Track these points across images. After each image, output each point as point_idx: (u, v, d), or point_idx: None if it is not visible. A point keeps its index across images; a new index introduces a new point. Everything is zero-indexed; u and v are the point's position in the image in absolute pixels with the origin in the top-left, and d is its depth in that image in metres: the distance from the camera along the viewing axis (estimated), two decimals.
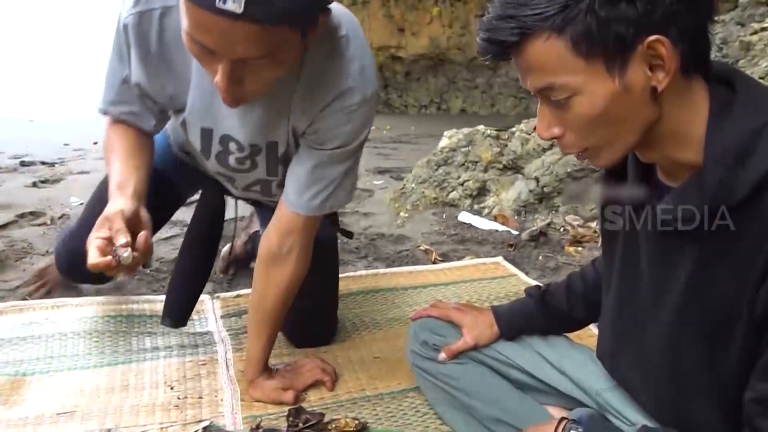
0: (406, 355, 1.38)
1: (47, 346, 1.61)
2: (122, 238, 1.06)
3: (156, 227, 1.25)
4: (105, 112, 1.29)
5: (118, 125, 1.30)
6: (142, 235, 1.09)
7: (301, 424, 1.28)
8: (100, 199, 1.33)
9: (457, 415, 1.27)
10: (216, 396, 1.42)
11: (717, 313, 0.81)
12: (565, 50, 0.76)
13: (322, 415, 1.32)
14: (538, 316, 1.25)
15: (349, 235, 1.74)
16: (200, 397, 1.41)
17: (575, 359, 1.18)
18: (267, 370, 1.42)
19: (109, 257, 1.05)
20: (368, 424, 1.30)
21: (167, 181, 1.56)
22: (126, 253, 1.05)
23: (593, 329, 1.66)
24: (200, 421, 1.31)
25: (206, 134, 1.28)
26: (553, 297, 1.25)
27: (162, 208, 1.57)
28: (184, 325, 1.59)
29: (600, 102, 0.78)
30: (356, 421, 1.29)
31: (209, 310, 1.82)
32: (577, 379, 1.15)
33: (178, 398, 1.41)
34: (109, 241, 1.06)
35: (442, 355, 1.26)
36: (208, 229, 1.59)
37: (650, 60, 0.75)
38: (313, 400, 1.41)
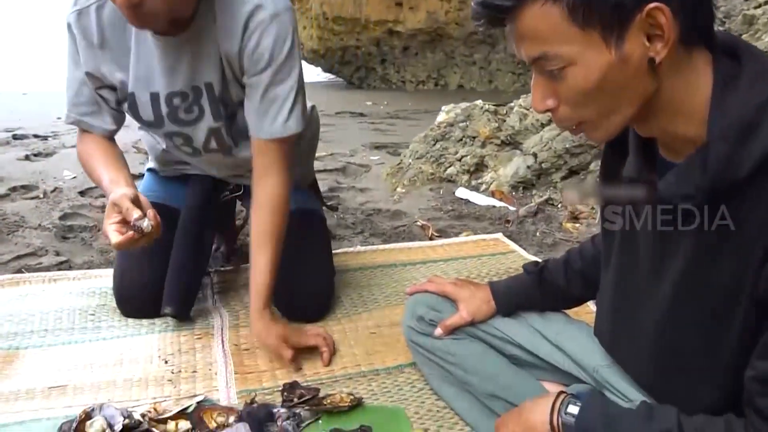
0: (402, 330, 1.37)
1: (42, 319, 1.60)
2: (135, 213, 1.21)
3: None
4: (69, 118, 1.47)
5: (86, 138, 1.47)
6: (150, 211, 1.25)
7: (295, 399, 1.27)
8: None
9: (453, 390, 1.27)
10: (210, 369, 1.41)
11: (717, 292, 0.80)
12: (560, 18, 0.73)
13: (317, 390, 1.31)
14: (536, 292, 1.23)
15: (333, 208, 1.75)
16: (194, 371, 1.41)
17: (573, 335, 1.17)
18: (271, 311, 1.45)
19: (131, 232, 1.21)
20: (363, 400, 1.29)
21: (170, 212, 1.61)
22: (146, 223, 1.21)
23: (591, 306, 1.65)
24: (194, 395, 1.31)
25: (154, 99, 1.44)
26: (551, 273, 1.24)
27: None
28: (187, 315, 1.60)
29: (595, 73, 0.75)
30: (351, 397, 1.28)
31: (206, 285, 1.80)
32: (575, 356, 1.14)
33: (172, 372, 1.40)
34: (123, 222, 1.22)
35: (438, 331, 1.24)
36: (199, 215, 1.64)
37: (648, 30, 0.73)
38: (309, 375, 1.40)
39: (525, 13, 0.75)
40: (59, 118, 4.26)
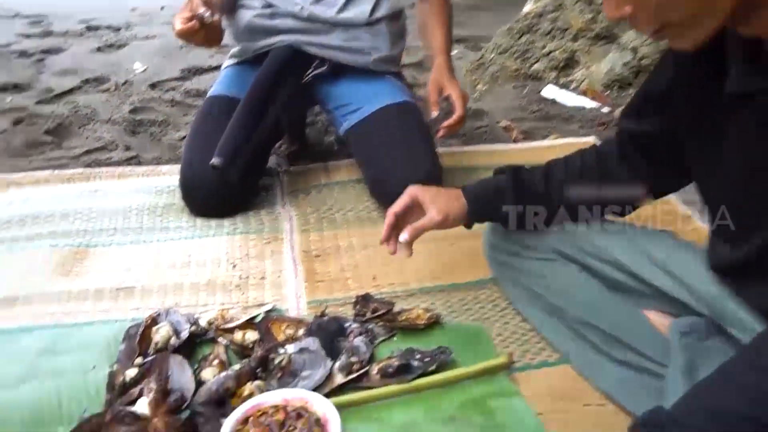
0: (483, 251, 1.25)
1: (111, 218, 1.56)
2: (201, 9, 1.36)
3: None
4: None
5: None
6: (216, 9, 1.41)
7: (368, 314, 1.19)
8: (209, 113, 1.63)
9: (541, 315, 1.15)
10: (279, 277, 1.34)
11: None
12: None
13: (392, 304, 1.22)
14: (510, 192, 1.10)
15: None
16: (263, 278, 1.34)
17: (685, 259, 1.01)
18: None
19: (193, 21, 1.36)
20: (442, 317, 1.19)
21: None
22: (207, 13, 1.36)
23: (698, 223, 1.47)
24: (262, 304, 1.24)
25: None
26: (528, 175, 1.11)
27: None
28: (234, 178, 1.49)
29: None
30: (429, 314, 1.18)
31: (275, 185, 1.72)
32: (688, 282, 0.99)
33: (240, 278, 1.34)
34: (192, 17, 1.36)
35: (404, 236, 1.09)
36: (270, 81, 1.56)
37: None
38: (383, 286, 1.31)
39: None
40: (134, 9, 4.17)
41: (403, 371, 1.04)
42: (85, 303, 1.25)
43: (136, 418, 0.86)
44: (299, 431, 0.89)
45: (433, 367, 1.04)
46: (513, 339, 1.15)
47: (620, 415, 0.98)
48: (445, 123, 1.52)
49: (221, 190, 1.51)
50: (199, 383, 1.03)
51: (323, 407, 0.93)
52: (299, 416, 0.92)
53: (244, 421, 0.91)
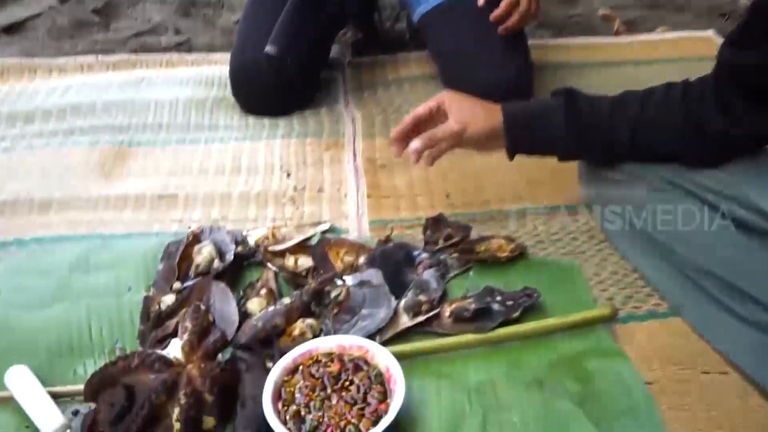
0: (578, 168, 1.05)
1: (156, 112, 1.40)
2: None
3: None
4: None
5: None
6: None
7: (441, 241, 1.01)
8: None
9: (648, 258, 0.95)
10: (339, 190, 1.17)
11: None
12: None
13: (468, 229, 1.04)
14: (562, 118, 0.91)
15: None
16: (320, 190, 1.17)
17: None
18: None
19: None
20: (528, 249, 1.01)
21: None
22: None
23: None
24: (318, 222, 1.08)
25: None
26: (590, 101, 0.93)
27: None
28: (288, 69, 1.32)
29: None
30: (513, 245, 0.99)
31: (338, 81, 1.51)
32: None
33: (295, 189, 1.18)
34: None
35: (414, 144, 0.94)
36: None
37: None
38: (458, 206, 1.12)
39: None
40: None
41: (481, 316, 0.87)
42: (124, 212, 1.12)
43: (168, 363, 0.73)
44: (357, 387, 0.75)
45: (516, 314, 0.87)
46: (613, 281, 0.96)
47: (747, 389, 0.79)
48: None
49: (276, 83, 1.33)
50: (244, 315, 0.89)
51: (386, 359, 0.78)
52: (357, 369, 0.78)
53: (293, 370, 0.78)
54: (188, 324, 0.78)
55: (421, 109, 0.97)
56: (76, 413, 0.78)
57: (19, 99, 1.45)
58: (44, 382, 0.79)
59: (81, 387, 0.77)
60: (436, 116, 0.97)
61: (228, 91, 1.42)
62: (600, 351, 0.83)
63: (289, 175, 1.21)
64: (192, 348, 0.76)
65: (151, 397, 0.71)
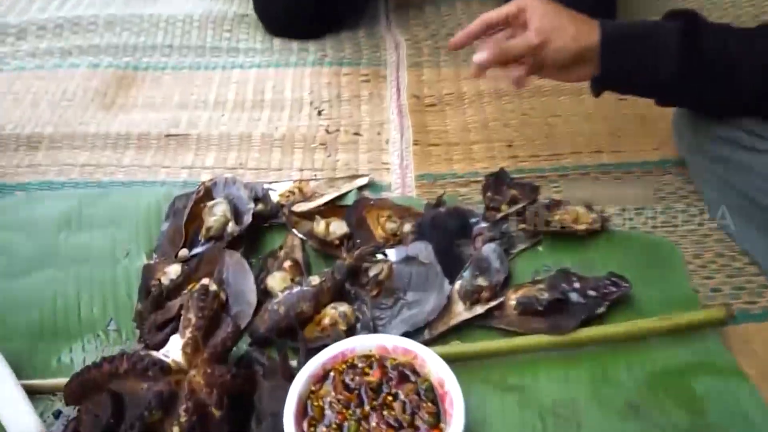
0: (673, 120, 0.84)
1: (167, 31, 1.21)
2: None
3: None
4: None
5: None
6: None
7: (504, 207, 0.82)
8: None
9: (750, 227, 0.76)
10: (380, 134, 0.98)
11: None
12: None
13: (536, 190, 0.85)
14: (674, 46, 0.71)
15: None
16: (357, 133, 0.98)
17: None
18: None
19: None
20: (610, 220, 0.82)
21: None
22: None
23: None
24: (354, 176, 0.90)
25: None
26: (715, 30, 0.72)
27: None
28: None
29: None
30: (592, 216, 0.80)
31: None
32: None
33: (327, 131, 0.99)
34: None
35: (480, 55, 0.74)
36: None
37: None
38: (522, 159, 0.93)
39: None
40: None
41: (555, 309, 0.70)
42: (126, 153, 0.95)
43: (164, 370, 0.58)
44: (402, 405, 0.59)
45: (602, 309, 0.70)
46: (717, 265, 0.77)
47: None
48: None
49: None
50: (264, 293, 0.73)
51: (439, 369, 0.61)
52: (403, 379, 0.61)
53: (322, 377, 0.62)
54: (192, 316, 0.62)
55: (494, 14, 0.76)
56: (58, 415, 0.64)
57: (11, 11, 1.26)
58: (20, 373, 0.65)
59: (64, 381, 0.62)
60: (513, 26, 0.76)
61: (250, 7, 1.21)
62: (710, 365, 0.65)
63: (320, 112, 1.02)
64: (196, 348, 0.60)
65: (144, 414, 0.56)
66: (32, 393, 0.64)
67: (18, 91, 1.07)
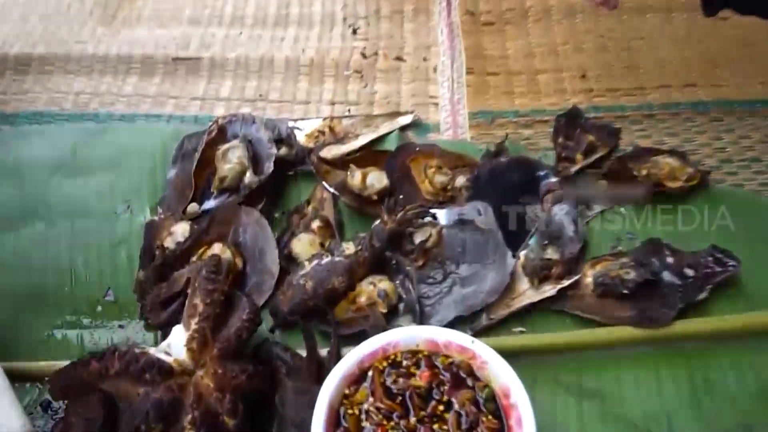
0: None
1: None
2: None
3: None
4: None
5: None
6: None
7: (579, 156, 0.67)
8: None
9: None
10: (426, 60, 0.82)
11: None
12: None
13: (617, 134, 0.70)
14: None
15: None
16: (399, 58, 0.83)
17: None
18: None
19: None
20: (711, 173, 0.66)
21: None
22: None
23: None
24: (396, 113, 0.75)
25: None
26: None
27: None
28: None
29: None
30: (690, 168, 0.65)
31: None
32: None
33: (363, 54, 0.83)
34: None
35: None
36: None
37: None
38: (599, 92, 0.77)
39: None
40: None
41: (644, 293, 0.57)
42: (127, 80, 0.82)
43: (165, 372, 0.47)
44: (456, 416, 0.48)
45: (703, 294, 0.56)
46: None
47: None
48: None
49: None
50: (288, 259, 0.61)
51: (502, 373, 0.49)
52: (458, 383, 0.50)
53: (359, 377, 0.50)
54: (199, 301, 0.50)
55: None
56: (46, 408, 0.54)
57: None
58: (3, 353, 0.55)
59: (55, 364, 0.52)
60: None
61: None
62: None
63: (355, 31, 0.86)
64: (204, 343, 0.49)
65: (140, 427, 0.45)
66: (17, 379, 0.54)
67: (5, 2, 0.92)
